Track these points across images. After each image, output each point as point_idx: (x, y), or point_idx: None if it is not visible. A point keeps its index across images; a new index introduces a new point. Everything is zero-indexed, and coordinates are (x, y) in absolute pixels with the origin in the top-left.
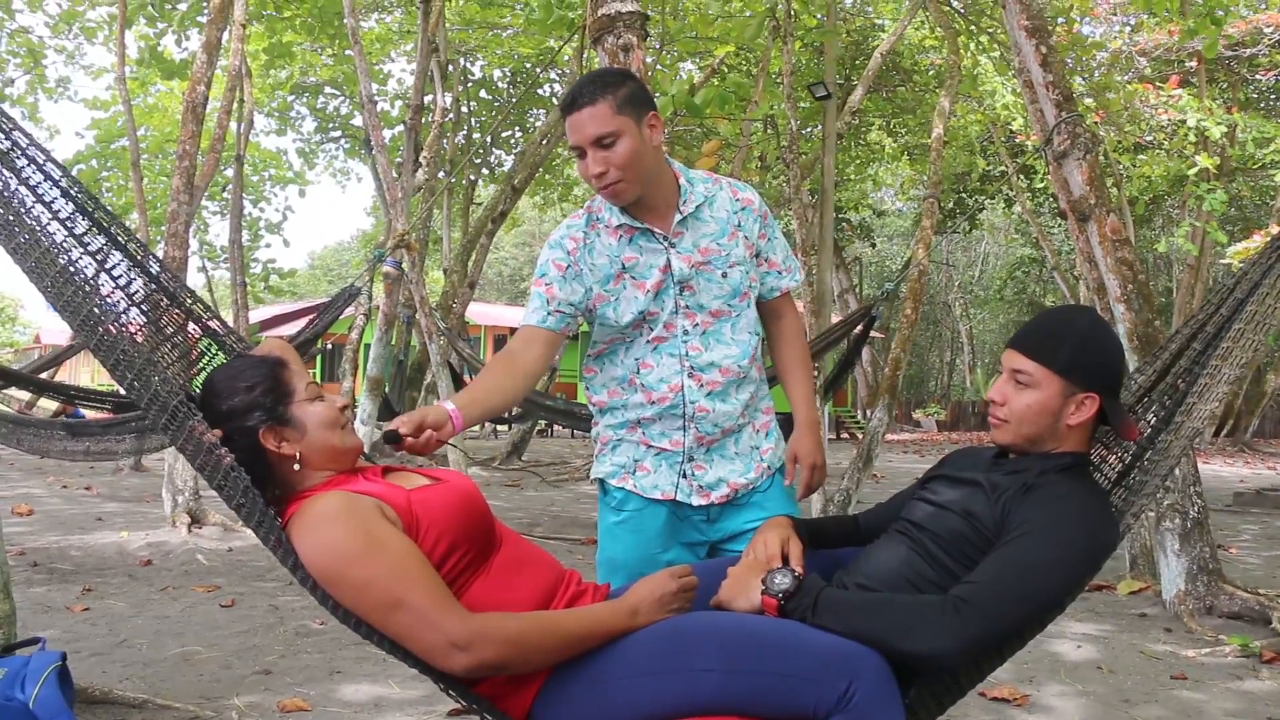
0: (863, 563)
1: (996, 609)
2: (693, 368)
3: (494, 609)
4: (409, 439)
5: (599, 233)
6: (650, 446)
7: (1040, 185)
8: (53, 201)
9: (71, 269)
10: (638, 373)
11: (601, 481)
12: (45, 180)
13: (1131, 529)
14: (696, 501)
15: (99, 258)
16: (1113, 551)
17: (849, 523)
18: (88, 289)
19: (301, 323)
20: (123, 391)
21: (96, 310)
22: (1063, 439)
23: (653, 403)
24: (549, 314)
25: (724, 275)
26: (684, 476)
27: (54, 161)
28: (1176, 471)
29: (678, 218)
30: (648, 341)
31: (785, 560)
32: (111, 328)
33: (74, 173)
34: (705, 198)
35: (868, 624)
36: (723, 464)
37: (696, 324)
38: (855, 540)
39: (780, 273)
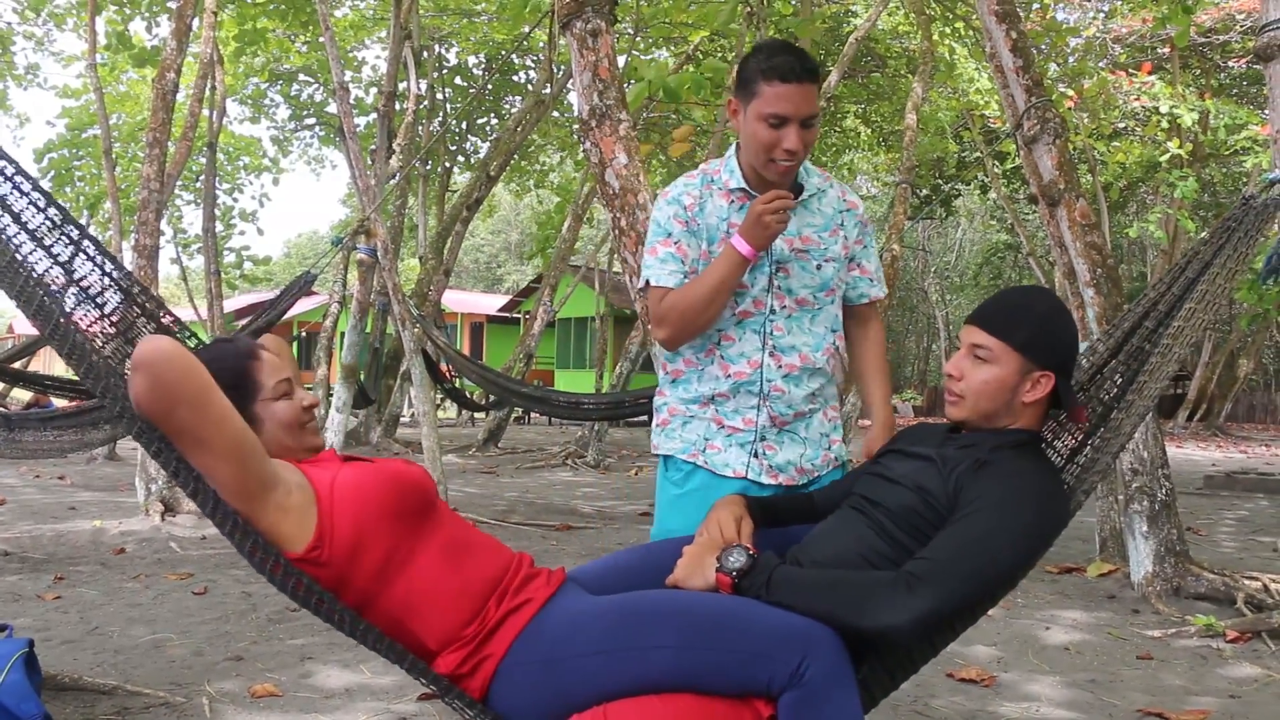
0: (817, 539)
1: (949, 585)
2: (774, 347)
3: (440, 588)
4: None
5: (711, 194)
6: (723, 426)
7: (1011, 168)
8: (12, 201)
9: (37, 267)
10: (718, 344)
11: (666, 455)
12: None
13: (1083, 505)
14: (766, 480)
15: (63, 260)
16: (1064, 528)
17: (804, 500)
18: (49, 281)
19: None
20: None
21: (63, 302)
22: (1017, 415)
23: (728, 376)
24: (685, 275)
25: (819, 267)
26: (755, 456)
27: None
28: (1145, 454)
29: None
30: (733, 314)
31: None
32: (66, 319)
33: (45, 162)
34: (817, 190)
35: (821, 600)
36: (793, 447)
37: (784, 306)
38: (810, 517)
39: (872, 280)
